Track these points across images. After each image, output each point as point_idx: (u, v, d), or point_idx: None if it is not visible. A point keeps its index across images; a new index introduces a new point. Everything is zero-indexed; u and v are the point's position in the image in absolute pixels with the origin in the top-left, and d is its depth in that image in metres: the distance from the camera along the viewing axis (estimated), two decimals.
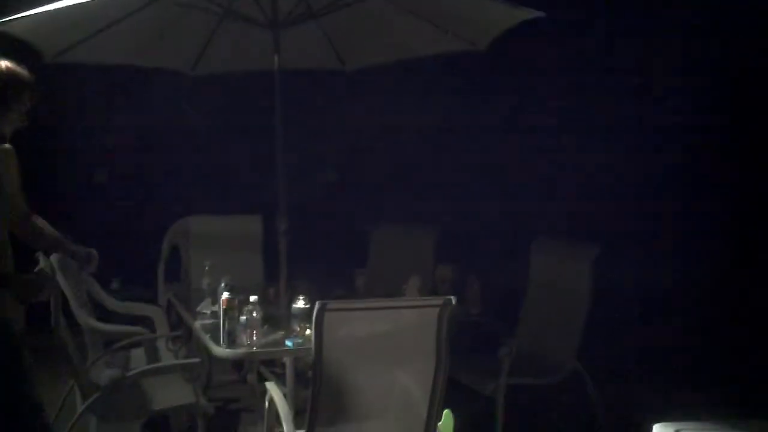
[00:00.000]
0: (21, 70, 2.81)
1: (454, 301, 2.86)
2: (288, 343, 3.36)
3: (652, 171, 6.43)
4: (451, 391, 3.01)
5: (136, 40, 4.29)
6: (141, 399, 3.58)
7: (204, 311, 3.72)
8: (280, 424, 2.95)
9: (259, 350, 3.32)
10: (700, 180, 6.20)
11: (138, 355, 4.07)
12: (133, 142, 7.08)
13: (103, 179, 7.20)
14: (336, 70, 5.00)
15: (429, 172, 7.22)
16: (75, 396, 3.64)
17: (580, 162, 6.49)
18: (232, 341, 3.29)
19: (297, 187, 4.40)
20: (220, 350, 3.29)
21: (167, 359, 4.05)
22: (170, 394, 3.65)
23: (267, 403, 3.17)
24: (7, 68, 2.78)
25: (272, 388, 3.12)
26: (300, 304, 3.69)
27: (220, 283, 3.80)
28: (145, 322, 4.32)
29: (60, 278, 3.44)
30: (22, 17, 3.40)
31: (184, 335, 4.35)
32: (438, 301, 2.89)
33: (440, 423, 3.02)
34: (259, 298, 3.38)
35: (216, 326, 3.46)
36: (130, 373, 3.56)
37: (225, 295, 3.36)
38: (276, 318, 3.70)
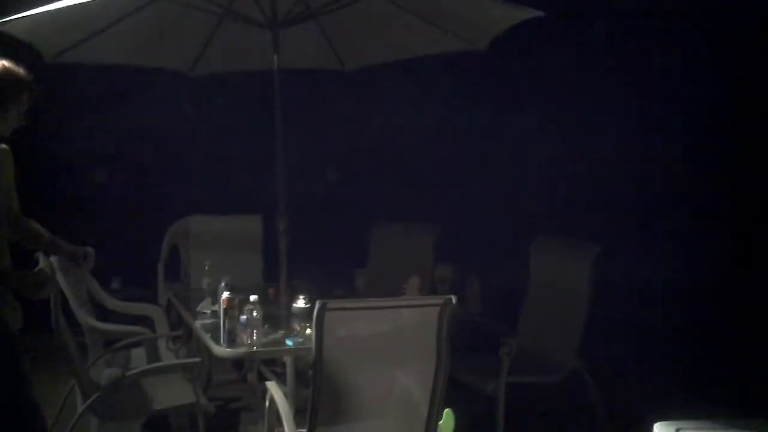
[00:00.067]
0: (19, 70, 2.78)
1: (454, 301, 2.86)
2: (288, 342, 3.36)
3: (652, 171, 6.44)
4: (452, 391, 3.00)
5: (136, 40, 4.29)
6: (141, 398, 3.58)
7: (204, 311, 3.72)
8: (281, 424, 2.95)
9: (259, 349, 3.31)
10: (700, 180, 6.20)
11: (138, 354, 4.07)
12: (133, 142, 7.08)
13: (103, 179, 7.19)
14: (335, 70, 5.00)
15: (429, 172, 7.22)
16: (75, 395, 3.64)
17: (581, 162, 6.49)
18: (232, 341, 3.28)
19: (297, 187, 4.41)
20: (221, 350, 3.29)
21: (167, 359, 4.05)
22: (171, 394, 3.65)
23: (267, 403, 3.17)
24: (6, 68, 2.75)
25: (273, 388, 3.11)
26: (300, 303, 3.70)
27: (220, 283, 3.80)
28: (146, 321, 4.32)
29: (60, 278, 3.44)
30: (22, 17, 3.41)
31: (184, 335, 4.35)
32: (439, 300, 2.89)
33: (441, 422, 3.02)
34: (259, 298, 3.38)
35: (216, 326, 3.46)
36: (131, 373, 3.56)
37: (225, 294, 3.36)
38: (276, 317, 3.70)
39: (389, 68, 4.94)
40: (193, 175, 7.06)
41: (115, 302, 4.46)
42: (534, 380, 4.08)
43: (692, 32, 6.10)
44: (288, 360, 3.84)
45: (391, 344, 2.92)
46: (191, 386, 3.63)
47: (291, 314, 3.73)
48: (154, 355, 3.93)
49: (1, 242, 2.77)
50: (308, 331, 3.26)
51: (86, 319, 3.78)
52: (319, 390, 2.76)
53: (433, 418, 2.97)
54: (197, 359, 3.88)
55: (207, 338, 3.46)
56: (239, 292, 3.43)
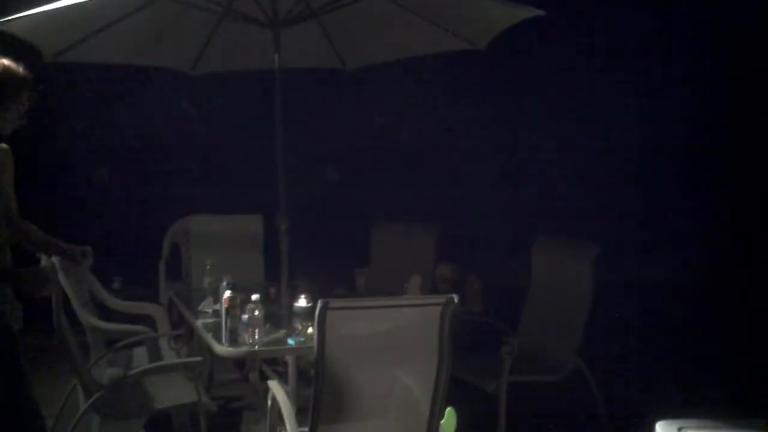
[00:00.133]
0: (20, 69, 2.78)
1: (456, 300, 2.87)
2: (290, 341, 3.36)
3: (652, 171, 6.44)
4: (454, 390, 3.00)
5: (136, 39, 4.29)
6: (143, 398, 3.58)
7: (206, 310, 3.73)
8: (283, 423, 2.95)
9: (261, 349, 3.31)
10: (700, 180, 6.21)
11: (140, 353, 4.07)
12: (133, 142, 7.08)
13: (103, 179, 7.19)
14: (336, 69, 5.01)
15: (429, 172, 7.22)
16: (77, 395, 3.64)
17: (581, 162, 6.49)
18: (234, 340, 3.29)
19: (297, 186, 4.41)
20: (222, 349, 3.29)
21: (169, 358, 4.04)
22: (172, 393, 3.65)
23: (269, 402, 3.17)
24: (5, 67, 2.74)
25: (274, 387, 3.11)
26: (302, 302, 3.70)
27: (221, 282, 3.80)
28: (147, 321, 4.32)
29: (61, 277, 3.44)
30: (21, 17, 3.40)
31: (185, 334, 4.35)
32: (440, 299, 2.89)
33: (442, 421, 3.02)
34: (260, 297, 3.38)
35: (218, 325, 3.46)
36: (132, 372, 3.56)
37: (227, 293, 3.37)
38: (278, 317, 3.70)
39: (389, 68, 4.94)
40: (194, 175, 7.06)
41: (116, 301, 4.46)
42: (535, 379, 4.09)
43: (692, 32, 6.10)
44: (290, 359, 3.84)
45: (392, 343, 2.92)
46: (193, 385, 3.63)
47: (292, 313, 3.73)
48: (155, 354, 3.93)
49: (1, 242, 2.78)
50: (310, 330, 3.26)
51: (88, 318, 3.78)
52: (321, 389, 2.76)
53: (435, 417, 2.97)
54: (199, 358, 3.88)
55: (209, 337, 3.46)
56: (241, 291, 3.44)
